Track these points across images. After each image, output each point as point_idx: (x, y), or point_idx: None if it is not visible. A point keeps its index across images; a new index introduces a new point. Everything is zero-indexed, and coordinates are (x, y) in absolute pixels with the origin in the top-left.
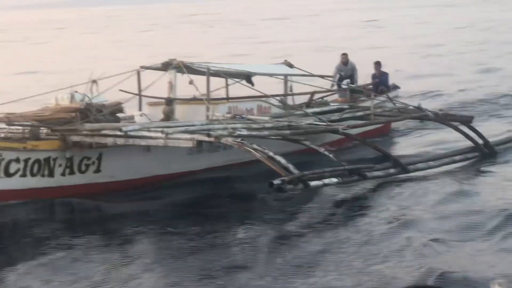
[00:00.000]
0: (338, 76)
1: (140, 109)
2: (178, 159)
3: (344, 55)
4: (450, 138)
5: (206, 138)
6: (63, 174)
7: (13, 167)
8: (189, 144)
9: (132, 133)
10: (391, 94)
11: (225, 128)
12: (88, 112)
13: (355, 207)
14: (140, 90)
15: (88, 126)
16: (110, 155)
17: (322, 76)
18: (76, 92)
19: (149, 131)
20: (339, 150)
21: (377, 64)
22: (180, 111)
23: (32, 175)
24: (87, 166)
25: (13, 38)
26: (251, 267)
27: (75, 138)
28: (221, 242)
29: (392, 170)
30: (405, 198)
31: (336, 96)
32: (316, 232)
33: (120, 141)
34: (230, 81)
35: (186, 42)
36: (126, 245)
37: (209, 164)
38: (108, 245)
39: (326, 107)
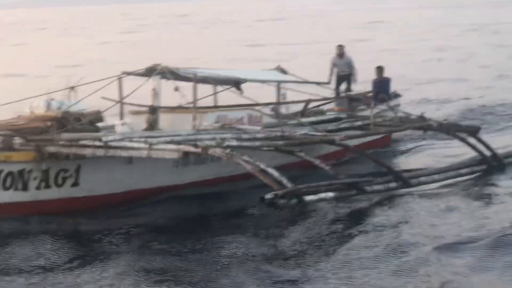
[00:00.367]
0: (334, 70)
1: (121, 118)
2: (163, 172)
3: (340, 47)
4: (456, 150)
5: (193, 149)
6: (38, 188)
7: None
8: (175, 155)
9: (113, 144)
10: (392, 103)
11: (213, 139)
12: (66, 121)
13: (352, 224)
14: (121, 97)
15: (65, 136)
16: (89, 167)
17: (318, 83)
18: (52, 99)
19: (131, 141)
20: (336, 162)
21: (379, 69)
22: (165, 120)
23: (5, 189)
24: (64, 179)
25: None
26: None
27: (51, 148)
28: (209, 260)
29: (393, 184)
30: (407, 214)
31: (333, 105)
32: (311, 250)
33: (100, 152)
34: (218, 88)
35: (182, 45)
36: (105, 265)
37: (196, 177)
38: (84, 265)
39: (322, 117)
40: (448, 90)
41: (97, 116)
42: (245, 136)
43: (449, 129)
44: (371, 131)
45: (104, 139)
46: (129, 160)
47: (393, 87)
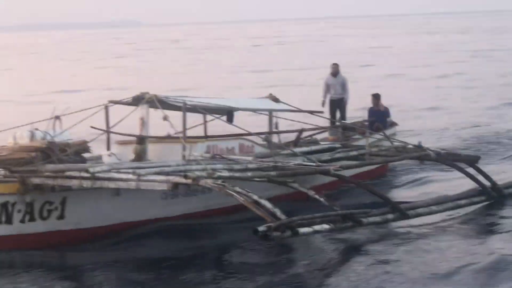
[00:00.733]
0: (328, 92)
1: (108, 148)
2: (151, 204)
3: (335, 65)
4: (455, 180)
5: (183, 180)
6: (22, 221)
7: None
8: (164, 187)
9: (100, 175)
10: (388, 132)
11: (204, 169)
12: (51, 151)
13: (347, 258)
14: (108, 127)
15: (50, 167)
16: (75, 199)
17: (311, 112)
18: (36, 129)
19: (119, 172)
20: (331, 193)
21: (375, 98)
22: (153, 150)
23: None
24: (50, 211)
25: None
26: None
27: (36, 180)
28: None
29: (390, 216)
30: (404, 248)
31: (326, 134)
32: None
33: (87, 183)
34: (208, 117)
35: (177, 71)
36: None
37: (185, 209)
38: None
39: (316, 146)
40: (449, 118)
41: (83, 146)
42: (236, 166)
43: (447, 159)
44: (366, 162)
45: (91, 170)
46: (117, 192)
47: (392, 114)
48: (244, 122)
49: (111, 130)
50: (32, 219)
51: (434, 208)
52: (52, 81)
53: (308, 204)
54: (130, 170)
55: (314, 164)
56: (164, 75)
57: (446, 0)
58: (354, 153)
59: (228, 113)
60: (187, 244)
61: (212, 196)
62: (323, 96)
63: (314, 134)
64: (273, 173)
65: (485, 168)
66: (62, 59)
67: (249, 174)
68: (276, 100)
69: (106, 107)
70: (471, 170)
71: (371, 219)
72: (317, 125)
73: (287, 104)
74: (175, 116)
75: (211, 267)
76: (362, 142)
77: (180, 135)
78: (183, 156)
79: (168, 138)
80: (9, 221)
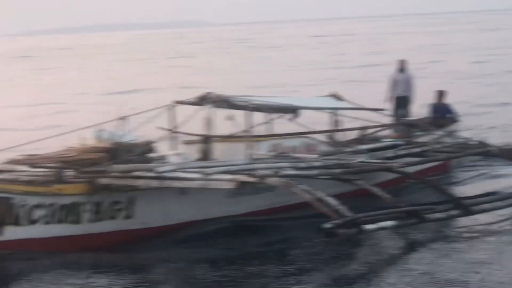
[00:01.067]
0: (394, 88)
1: (174, 148)
2: (217, 202)
3: (402, 61)
4: None
5: (249, 179)
6: (91, 221)
7: (36, 213)
8: (231, 185)
9: (167, 175)
10: (450, 128)
11: (269, 168)
12: (117, 152)
13: (412, 255)
14: (173, 127)
15: (118, 167)
16: (142, 199)
17: (374, 109)
18: (103, 130)
19: (185, 172)
20: (395, 189)
21: (440, 94)
22: (218, 149)
23: (58, 222)
24: (117, 211)
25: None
26: None
27: (104, 180)
28: None
29: (453, 212)
30: (470, 246)
31: (389, 131)
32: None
33: (154, 183)
34: (272, 116)
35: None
36: None
37: (250, 207)
38: None
39: (379, 143)
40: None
41: (149, 147)
42: (301, 164)
43: (510, 155)
44: (429, 158)
45: (158, 169)
46: (183, 190)
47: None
48: (308, 120)
49: (177, 130)
50: (100, 219)
51: (498, 203)
52: (120, 81)
53: (372, 201)
54: (196, 169)
55: (378, 161)
56: (237, 73)
57: None
58: (417, 149)
59: (291, 112)
60: (251, 241)
61: (277, 194)
62: (389, 91)
63: (376, 132)
64: (338, 170)
65: None
66: (129, 60)
67: (314, 172)
68: (338, 98)
69: (171, 107)
70: None
71: (435, 215)
72: (380, 123)
73: (350, 102)
74: (239, 115)
75: (275, 264)
76: (425, 138)
77: (244, 134)
78: (248, 155)
79: (233, 137)
80: (78, 220)
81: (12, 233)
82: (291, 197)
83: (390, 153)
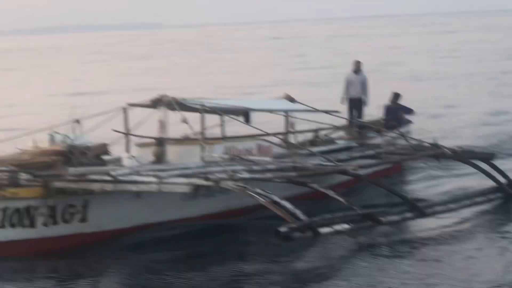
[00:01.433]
0: (346, 85)
1: (128, 150)
2: (172, 205)
3: (357, 62)
4: (471, 177)
5: (204, 183)
6: (45, 225)
7: None
8: (186, 189)
9: (122, 178)
10: (403, 129)
11: (224, 171)
12: (71, 155)
13: (368, 257)
14: (127, 129)
15: (73, 171)
16: (97, 202)
17: (327, 111)
18: (56, 132)
19: (140, 175)
20: (348, 191)
21: (395, 96)
22: (172, 152)
23: (11, 226)
24: (72, 215)
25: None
26: None
27: (59, 184)
28: None
29: (408, 214)
30: (424, 247)
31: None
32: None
33: (109, 186)
34: (225, 118)
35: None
36: None
37: (205, 210)
38: None
39: (333, 146)
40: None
41: (103, 149)
42: (256, 167)
43: (463, 157)
44: (383, 161)
45: (113, 173)
46: (137, 194)
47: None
48: (261, 122)
49: (130, 132)
50: (55, 222)
51: (451, 206)
52: (70, 83)
53: (326, 204)
54: (151, 173)
55: (332, 164)
56: (197, 75)
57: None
58: (371, 152)
59: (244, 114)
60: (207, 244)
61: (232, 196)
62: (343, 92)
63: (330, 133)
64: (292, 173)
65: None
66: (86, 61)
67: (269, 175)
68: (292, 100)
69: (125, 110)
70: (487, 167)
71: (390, 218)
72: (333, 124)
73: (303, 104)
74: (193, 117)
75: (231, 266)
76: (378, 140)
77: (198, 136)
78: (202, 158)
79: (186, 140)
80: (32, 224)
81: None
82: (246, 200)
83: (344, 155)
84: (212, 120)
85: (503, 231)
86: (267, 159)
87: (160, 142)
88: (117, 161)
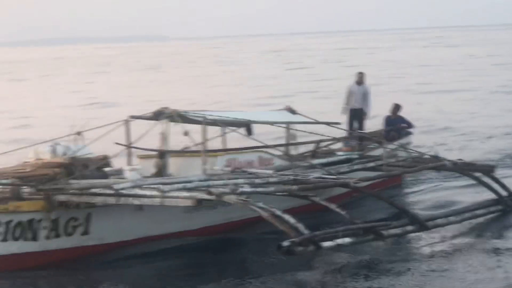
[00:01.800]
0: (349, 96)
1: (129, 163)
2: (173, 218)
3: (360, 74)
4: (471, 190)
5: (206, 197)
6: (48, 238)
7: None
8: (188, 203)
9: (124, 192)
10: (403, 141)
11: (226, 184)
12: (73, 167)
13: (370, 271)
14: (129, 141)
15: (76, 184)
16: (99, 215)
17: (328, 123)
18: (57, 144)
19: (142, 189)
20: (348, 202)
21: (396, 108)
22: (174, 164)
23: (14, 239)
24: (74, 228)
25: None
26: None
27: (62, 197)
28: None
29: (409, 227)
30: (426, 261)
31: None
32: None
33: (111, 200)
34: (227, 130)
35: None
36: None
37: (207, 222)
38: None
39: (333, 158)
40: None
41: (105, 161)
42: (257, 181)
43: (464, 169)
44: (384, 174)
45: (115, 187)
46: (140, 207)
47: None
48: (263, 134)
49: (132, 144)
50: (57, 235)
51: (452, 218)
52: (82, 94)
53: (327, 216)
54: (153, 186)
55: (333, 177)
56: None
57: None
58: (372, 164)
59: (246, 126)
60: (208, 256)
61: (233, 209)
62: (344, 103)
63: (330, 145)
64: (294, 187)
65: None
66: (91, 72)
67: (271, 188)
68: (293, 112)
69: (127, 122)
70: (487, 180)
71: (392, 231)
72: (333, 136)
73: (304, 115)
74: (195, 130)
75: (232, 279)
76: (378, 152)
77: (200, 149)
78: (204, 170)
79: (188, 152)
80: (34, 238)
81: None
82: (247, 212)
83: (344, 167)
84: (214, 132)
85: (503, 244)
86: (268, 171)
87: (162, 155)
88: (119, 173)
